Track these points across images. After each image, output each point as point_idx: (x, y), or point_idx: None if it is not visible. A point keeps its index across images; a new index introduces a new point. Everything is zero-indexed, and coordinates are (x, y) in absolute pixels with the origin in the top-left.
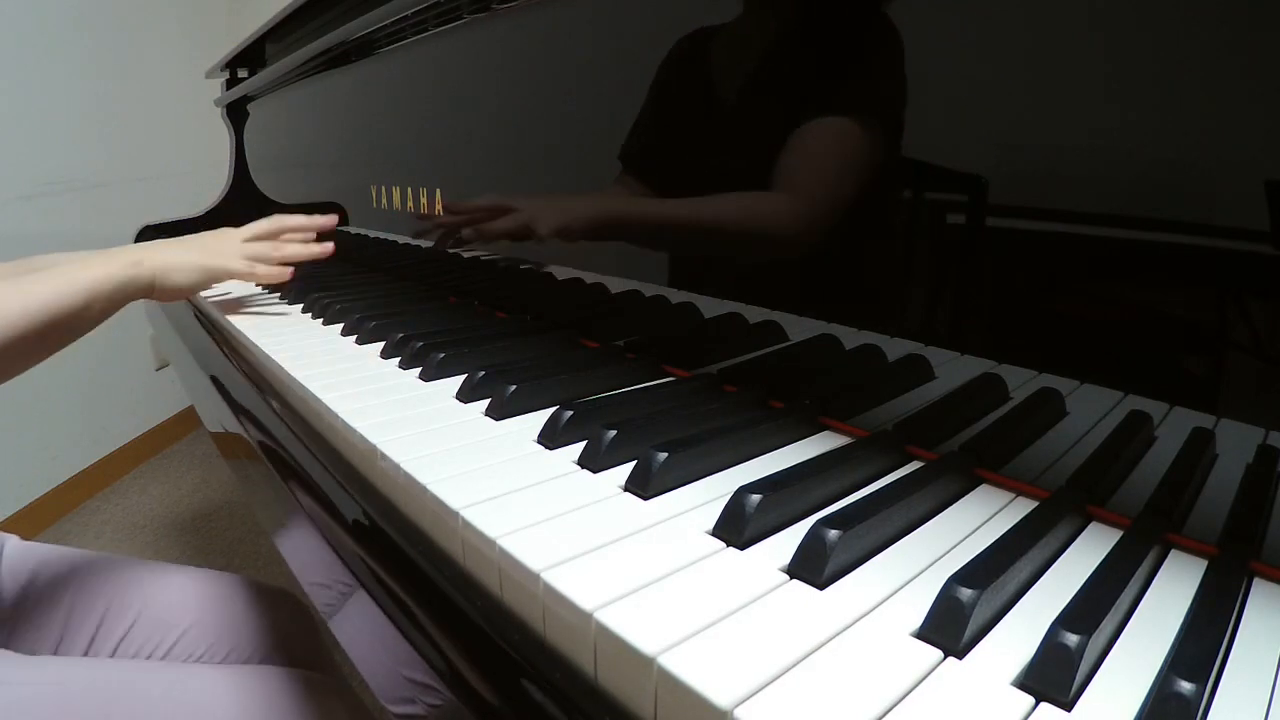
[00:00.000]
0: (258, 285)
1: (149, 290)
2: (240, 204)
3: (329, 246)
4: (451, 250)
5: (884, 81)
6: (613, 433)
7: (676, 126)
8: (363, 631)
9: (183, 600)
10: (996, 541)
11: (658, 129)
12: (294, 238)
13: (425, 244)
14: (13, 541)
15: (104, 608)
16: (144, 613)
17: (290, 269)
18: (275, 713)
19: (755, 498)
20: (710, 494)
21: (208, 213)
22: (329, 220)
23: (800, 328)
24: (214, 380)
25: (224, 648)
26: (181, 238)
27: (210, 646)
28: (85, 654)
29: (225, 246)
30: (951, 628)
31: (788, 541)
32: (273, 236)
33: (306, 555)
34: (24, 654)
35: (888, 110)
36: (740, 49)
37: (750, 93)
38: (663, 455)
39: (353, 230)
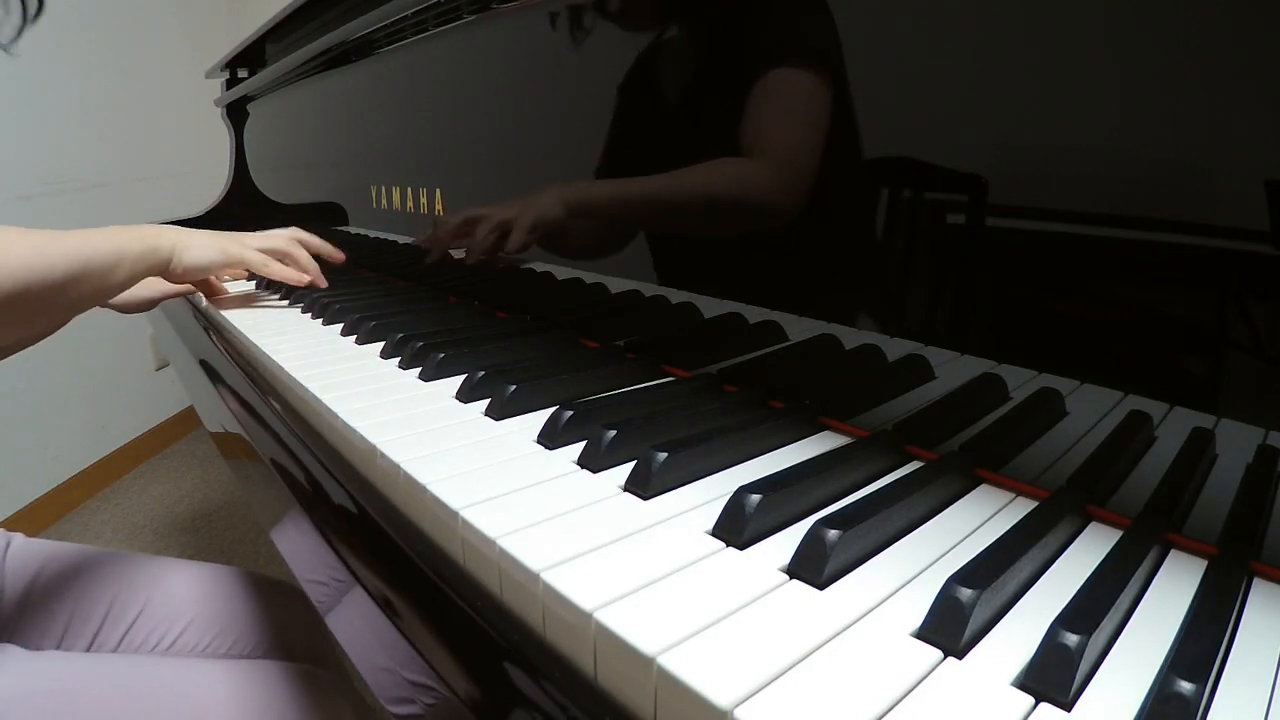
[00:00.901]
0: (258, 287)
1: (167, 262)
2: (240, 204)
3: (324, 282)
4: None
5: (812, 36)
6: (613, 433)
7: (640, 139)
8: (360, 629)
9: (186, 594)
10: (996, 541)
11: (625, 145)
12: (304, 253)
13: (423, 247)
14: (18, 539)
15: (109, 602)
16: (148, 606)
17: (306, 277)
18: (277, 707)
19: (755, 498)
20: (710, 494)
21: (208, 213)
22: (338, 254)
23: (800, 328)
24: (213, 380)
25: (227, 640)
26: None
27: (214, 639)
28: (89, 648)
29: (241, 238)
30: (951, 628)
31: (788, 541)
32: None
33: (305, 554)
34: (29, 649)
35: (824, 64)
36: (679, 51)
37: (693, 90)
38: (662, 455)
39: (353, 230)
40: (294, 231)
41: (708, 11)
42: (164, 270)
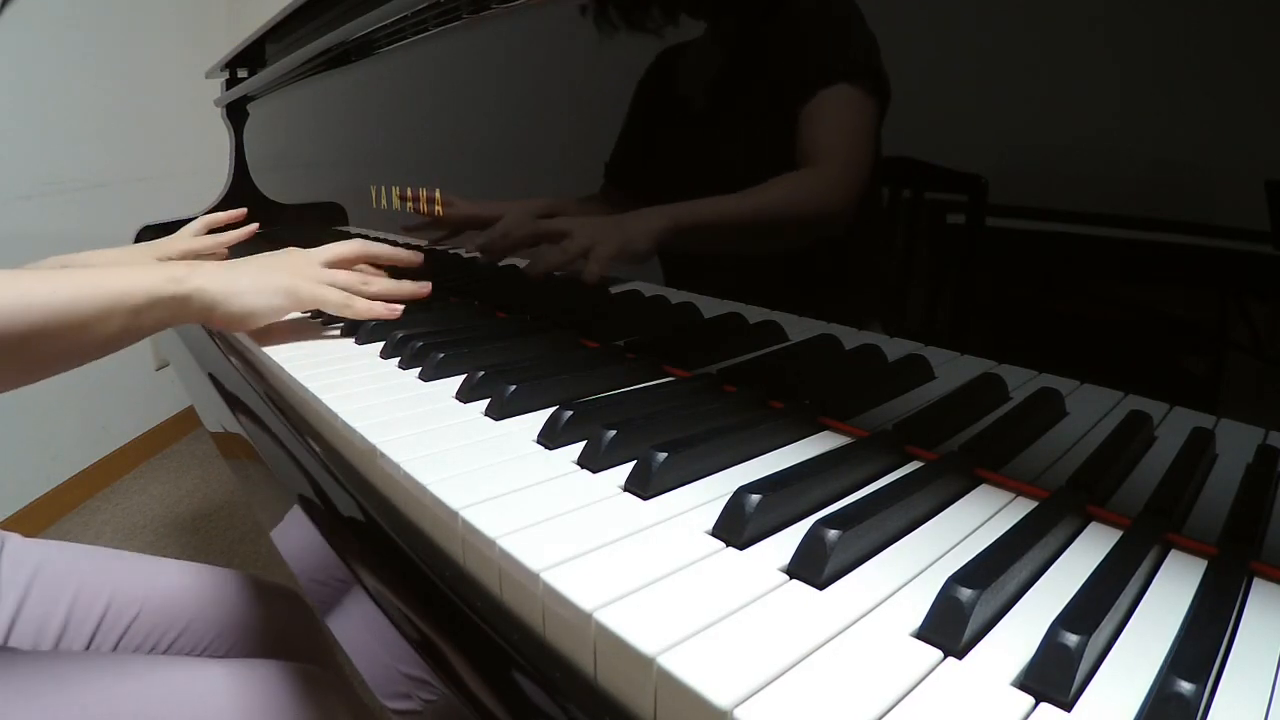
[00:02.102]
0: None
1: (202, 310)
2: (240, 204)
3: (427, 286)
4: (459, 251)
5: (858, 42)
6: (612, 433)
7: (663, 135)
8: (359, 628)
9: (185, 595)
10: (996, 541)
11: (646, 140)
12: (377, 270)
13: (425, 244)
14: (14, 539)
15: (106, 602)
16: (146, 607)
17: (399, 307)
18: (275, 707)
19: (755, 497)
20: (710, 494)
21: (207, 213)
22: (416, 258)
23: (800, 328)
24: (213, 380)
25: (226, 642)
26: (245, 259)
27: (212, 641)
28: (87, 647)
29: (305, 269)
30: (951, 628)
31: (787, 541)
32: (354, 263)
33: (305, 554)
34: (26, 649)
35: (871, 76)
36: (711, 50)
37: (717, 94)
38: (662, 455)
39: (353, 230)
40: (360, 244)
41: (736, 16)
42: (199, 320)
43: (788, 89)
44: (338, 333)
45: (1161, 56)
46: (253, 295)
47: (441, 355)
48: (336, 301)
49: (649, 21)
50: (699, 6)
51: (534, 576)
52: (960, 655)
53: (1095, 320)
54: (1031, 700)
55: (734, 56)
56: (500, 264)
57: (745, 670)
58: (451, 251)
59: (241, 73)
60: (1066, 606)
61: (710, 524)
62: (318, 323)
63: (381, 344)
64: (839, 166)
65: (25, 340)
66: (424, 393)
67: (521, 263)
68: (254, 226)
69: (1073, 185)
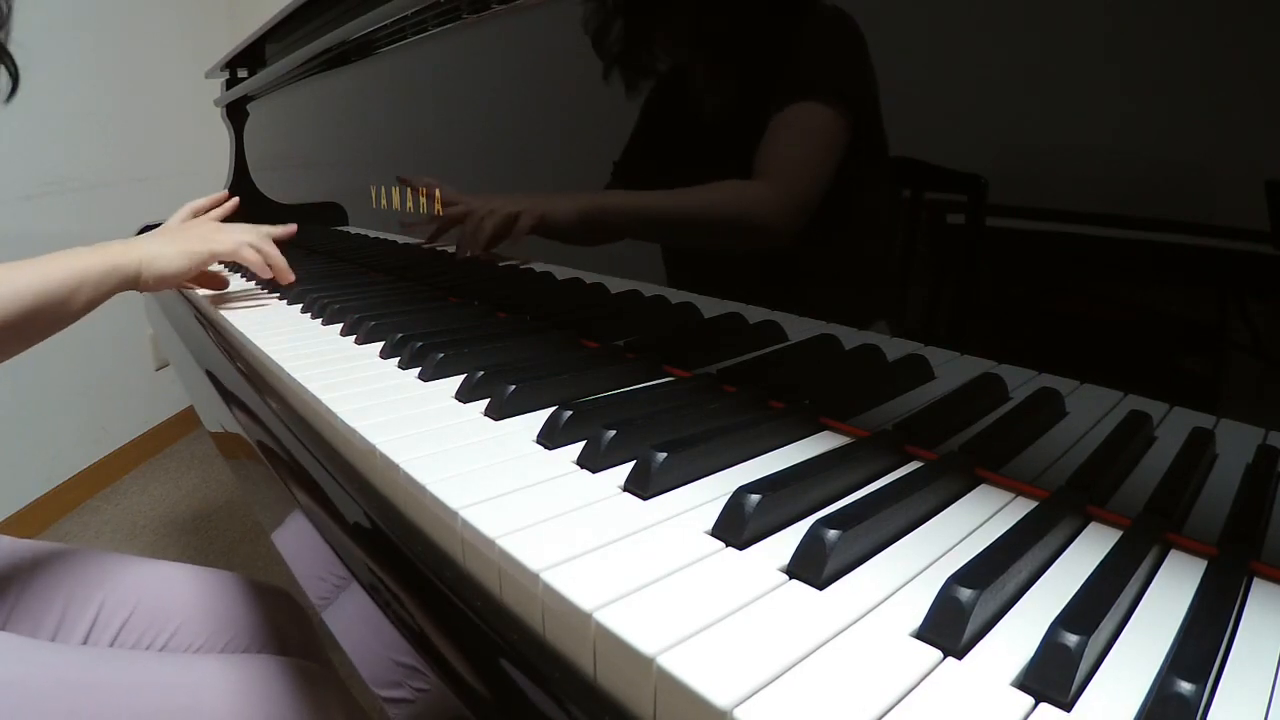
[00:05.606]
0: (257, 285)
1: (135, 278)
2: (240, 204)
3: (289, 277)
4: (451, 249)
5: (843, 68)
6: (612, 433)
7: (659, 135)
8: (356, 622)
9: (180, 594)
10: (996, 541)
11: (644, 138)
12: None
13: (425, 244)
14: (5, 540)
15: (100, 601)
16: (141, 605)
17: (269, 272)
18: (270, 701)
19: (755, 498)
20: (710, 494)
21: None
22: (288, 276)
23: (800, 328)
24: (213, 380)
25: (220, 640)
26: (165, 228)
27: (207, 639)
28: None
29: (208, 233)
30: (951, 628)
31: (787, 541)
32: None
33: (305, 554)
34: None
35: (850, 95)
36: (688, 63)
37: (702, 103)
38: (662, 455)
39: (353, 230)
40: (263, 230)
41: (724, 29)
42: (134, 285)
43: (754, 96)
44: (338, 333)
45: (1161, 56)
46: (165, 261)
47: (441, 355)
48: (227, 249)
49: (649, 21)
50: (698, 8)
51: (534, 576)
52: (960, 655)
53: (1095, 320)
54: (1031, 700)
55: (708, 69)
56: (501, 264)
57: (745, 670)
58: (452, 251)
59: (241, 73)
60: (1066, 606)
61: (710, 524)
62: (318, 322)
63: (381, 344)
64: (782, 185)
65: (27, 321)
66: (424, 393)
67: (521, 263)
68: (235, 201)
69: (1073, 185)
